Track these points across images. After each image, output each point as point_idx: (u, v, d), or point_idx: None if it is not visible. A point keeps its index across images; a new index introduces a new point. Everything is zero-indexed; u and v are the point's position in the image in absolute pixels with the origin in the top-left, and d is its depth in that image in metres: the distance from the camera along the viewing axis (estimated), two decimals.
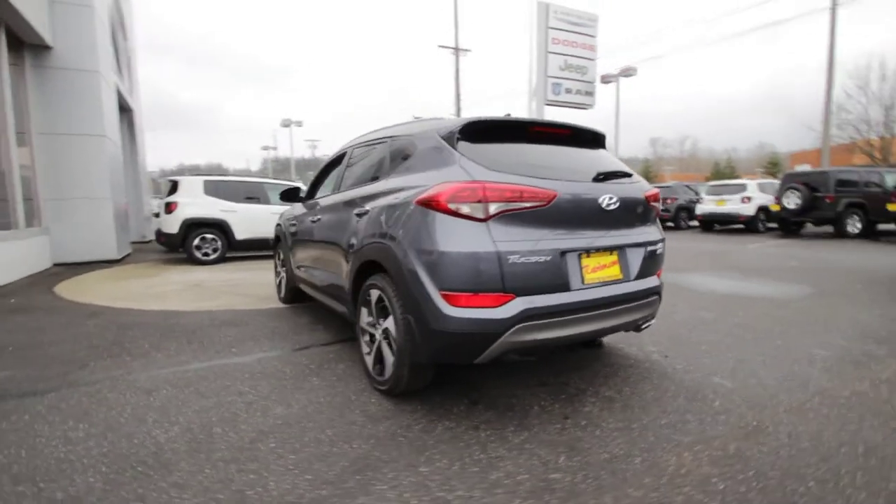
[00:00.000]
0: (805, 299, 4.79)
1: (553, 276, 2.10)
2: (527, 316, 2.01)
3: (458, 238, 2.02)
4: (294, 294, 4.63)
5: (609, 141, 3.02)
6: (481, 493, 1.67)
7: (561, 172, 2.28)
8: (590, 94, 18.30)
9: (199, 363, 3.04)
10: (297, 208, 4.36)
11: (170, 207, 7.75)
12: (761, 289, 5.36)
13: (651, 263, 2.55)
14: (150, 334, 3.71)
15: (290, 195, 4.25)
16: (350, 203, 2.99)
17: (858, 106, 29.89)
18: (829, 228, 12.46)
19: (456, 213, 2.04)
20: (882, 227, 11.83)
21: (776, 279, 5.97)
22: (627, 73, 22.62)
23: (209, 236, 7.95)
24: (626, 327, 2.46)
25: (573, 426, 2.17)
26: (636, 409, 2.33)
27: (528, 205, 2.07)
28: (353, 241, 2.79)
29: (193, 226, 7.82)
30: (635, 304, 2.41)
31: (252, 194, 8.46)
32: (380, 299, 2.48)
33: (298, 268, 4.17)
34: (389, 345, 2.43)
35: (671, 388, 2.58)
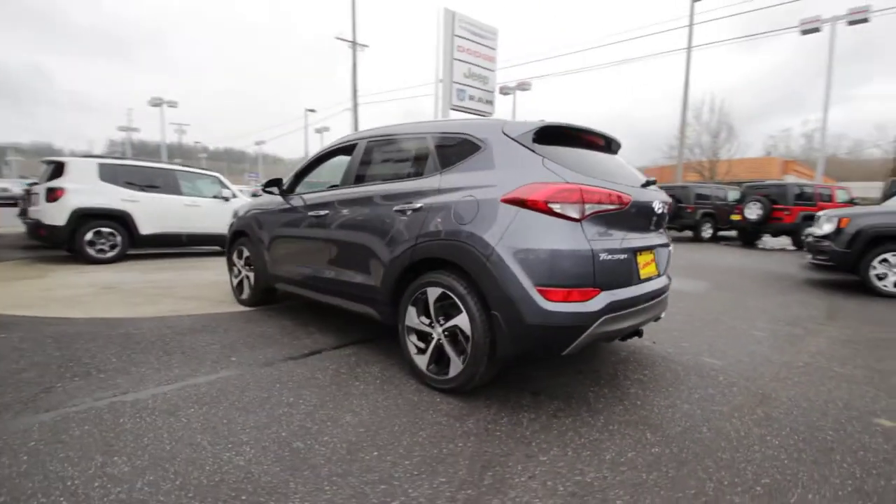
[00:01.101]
0: (712, 292, 5.81)
1: (626, 272, 2.33)
2: (610, 308, 2.20)
3: (556, 236, 2.13)
4: (264, 295, 4.21)
5: None
6: (611, 472, 1.81)
7: (619, 178, 2.52)
8: (490, 102, 19.23)
9: (203, 376, 2.64)
10: (273, 202, 3.97)
11: (54, 194, 6.32)
12: (674, 285, 6.32)
13: (667, 262, 2.93)
14: (107, 347, 3.08)
15: (276, 185, 3.85)
16: (385, 198, 2.87)
17: (693, 133, 36.46)
18: (688, 233, 15.02)
19: (553, 213, 2.15)
20: (723, 233, 14.73)
21: (678, 276, 7.08)
22: (524, 86, 24.50)
23: (106, 230, 6.68)
24: (654, 318, 2.79)
25: (633, 406, 2.42)
26: (670, 389, 2.67)
27: (612, 207, 2.26)
28: (399, 238, 2.69)
29: (86, 217, 6.50)
30: (663, 296, 2.76)
31: (160, 182, 7.32)
32: (442, 297, 2.45)
33: (281, 266, 3.81)
34: (456, 343, 2.42)
35: (679, 369, 2.99)
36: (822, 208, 9.25)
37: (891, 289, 5.54)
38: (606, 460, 1.90)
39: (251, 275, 4.21)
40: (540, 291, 2.12)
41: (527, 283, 2.13)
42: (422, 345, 2.62)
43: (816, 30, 15.16)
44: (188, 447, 1.90)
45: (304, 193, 3.72)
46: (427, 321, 2.58)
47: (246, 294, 4.32)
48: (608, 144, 2.92)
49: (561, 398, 2.49)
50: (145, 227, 7.00)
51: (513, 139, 2.43)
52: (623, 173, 2.70)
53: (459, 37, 17.59)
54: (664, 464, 1.88)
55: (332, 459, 1.85)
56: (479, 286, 2.27)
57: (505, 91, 24.64)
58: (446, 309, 2.46)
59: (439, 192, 2.57)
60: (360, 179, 3.22)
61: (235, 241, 4.46)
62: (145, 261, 7.23)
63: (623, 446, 2.01)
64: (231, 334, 3.46)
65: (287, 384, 2.57)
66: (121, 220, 6.79)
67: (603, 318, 2.18)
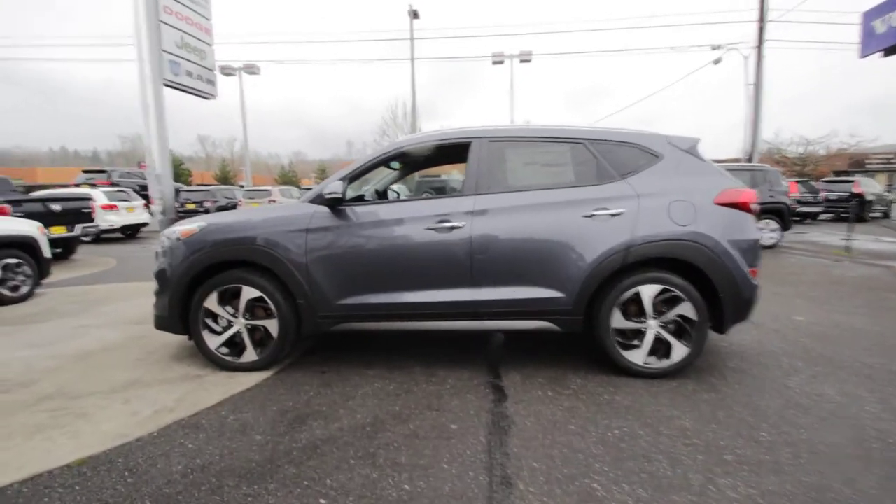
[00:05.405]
0: None
1: None
2: None
3: (753, 229, 2.81)
4: (290, 348, 2.98)
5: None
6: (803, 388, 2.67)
7: None
8: (211, 82, 16.66)
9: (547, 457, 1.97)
10: (309, 214, 2.86)
11: None
12: None
13: None
14: None
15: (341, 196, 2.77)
16: (564, 205, 2.75)
17: (389, 134, 41.70)
18: None
19: (750, 211, 2.79)
20: None
21: None
22: (251, 70, 21.88)
23: None
24: None
25: (755, 361, 3.36)
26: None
27: None
28: (599, 244, 2.69)
29: None
30: None
31: None
32: (663, 291, 2.71)
33: (362, 298, 2.82)
34: (679, 330, 2.74)
35: None
36: None
37: None
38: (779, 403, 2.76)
39: (267, 324, 2.89)
40: (751, 272, 2.76)
41: (744, 266, 2.73)
42: (634, 342, 2.78)
43: (501, 62, 20.46)
44: None
45: (390, 203, 2.92)
46: (637, 318, 2.76)
47: (252, 353, 2.92)
48: None
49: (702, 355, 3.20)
50: None
51: (685, 151, 2.89)
52: None
53: None
54: (821, 380, 2.91)
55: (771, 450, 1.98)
56: (707, 275, 2.69)
57: (228, 72, 21.43)
58: (668, 302, 2.74)
59: (638, 196, 2.75)
60: (487, 185, 2.86)
61: (199, 283, 2.91)
62: None
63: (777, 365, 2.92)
64: (411, 422, 2.44)
65: (579, 422, 2.27)
66: None
67: None
